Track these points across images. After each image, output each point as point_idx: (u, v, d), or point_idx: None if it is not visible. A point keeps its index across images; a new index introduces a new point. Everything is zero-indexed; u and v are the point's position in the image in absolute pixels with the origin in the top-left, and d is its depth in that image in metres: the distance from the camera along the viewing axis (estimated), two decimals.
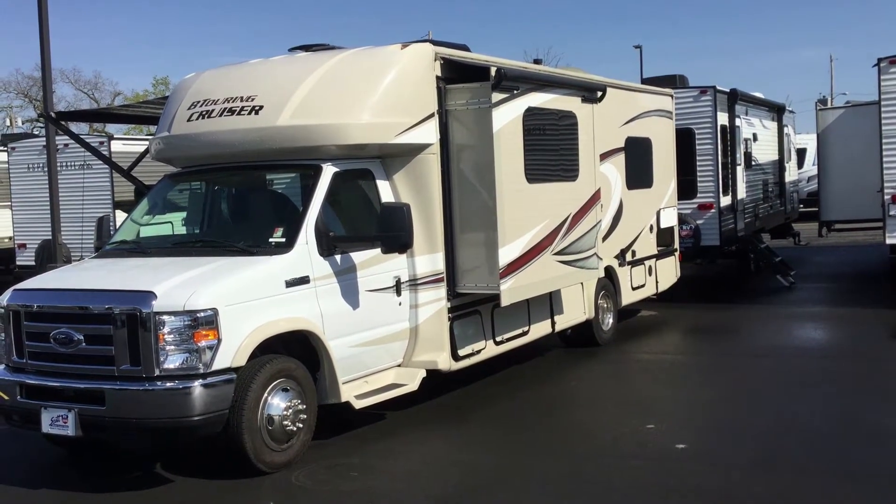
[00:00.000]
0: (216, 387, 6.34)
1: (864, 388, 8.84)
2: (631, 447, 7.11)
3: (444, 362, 8.14)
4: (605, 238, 10.64)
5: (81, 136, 13.43)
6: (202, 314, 6.29)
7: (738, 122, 15.89)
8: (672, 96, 13.45)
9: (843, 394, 8.67)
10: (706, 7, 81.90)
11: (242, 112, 7.71)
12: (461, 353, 8.37)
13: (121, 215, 14.75)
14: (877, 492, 5.89)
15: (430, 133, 7.98)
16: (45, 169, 16.06)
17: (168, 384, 6.27)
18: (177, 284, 6.47)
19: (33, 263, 17.46)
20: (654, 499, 5.91)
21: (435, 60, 8.03)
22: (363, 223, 7.80)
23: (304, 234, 7.13)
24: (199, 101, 8.05)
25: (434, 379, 8.26)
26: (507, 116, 8.22)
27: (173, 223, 8.65)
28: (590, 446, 7.25)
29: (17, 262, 18.32)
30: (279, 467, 6.71)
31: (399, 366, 8.05)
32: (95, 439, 6.98)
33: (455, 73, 8.18)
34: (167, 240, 8.18)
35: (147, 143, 11.49)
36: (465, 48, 8.69)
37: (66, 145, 16.76)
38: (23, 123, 48.58)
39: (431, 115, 7.98)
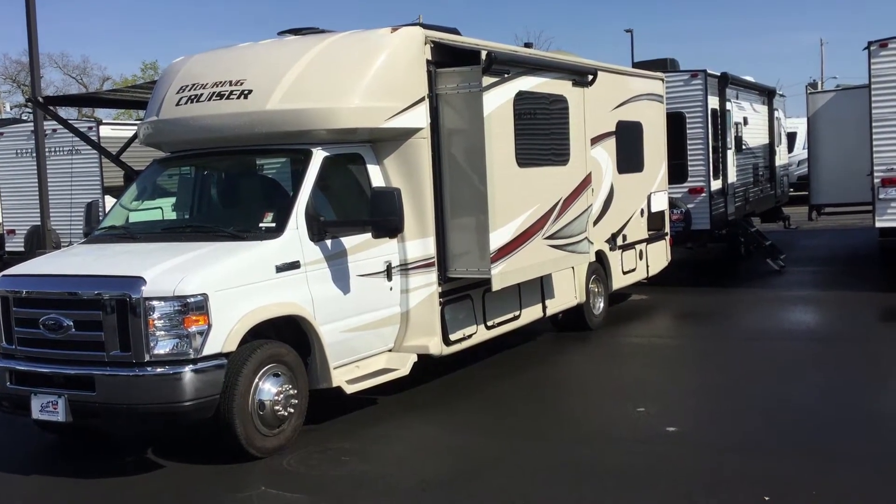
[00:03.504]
0: (207, 372, 6.32)
1: (856, 370, 8.88)
2: (622, 431, 7.13)
3: (436, 347, 8.13)
4: (595, 222, 10.64)
5: (70, 122, 13.34)
6: (192, 299, 6.27)
7: (728, 105, 15.89)
8: (663, 80, 13.43)
9: (834, 377, 8.71)
10: None
11: (231, 96, 7.66)
12: (452, 337, 8.37)
13: (110, 201, 14.67)
14: (870, 474, 5.92)
15: (420, 117, 7.94)
16: (34, 154, 15.96)
17: (158, 370, 6.26)
18: (166, 270, 6.44)
19: (22, 249, 17.38)
20: (644, 482, 5.93)
21: (425, 44, 7.99)
22: (354, 208, 7.78)
23: (294, 219, 7.11)
24: (187, 86, 8.00)
25: (425, 364, 8.26)
26: (498, 100, 8.19)
27: (163, 208, 8.61)
28: (581, 430, 7.26)
29: (7, 249, 18.25)
30: (270, 452, 6.71)
31: (390, 350, 8.04)
32: (86, 425, 6.97)
33: (445, 57, 8.14)
34: (156, 225, 8.14)
35: (136, 127, 11.42)
36: (455, 32, 8.64)
37: (54, 130, 16.65)
38: (11, 109, 48.27)
39: (422, 100, 7.95)
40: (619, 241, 11.80)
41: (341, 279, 7.40)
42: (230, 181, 8.49)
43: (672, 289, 14.05)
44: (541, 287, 9.90)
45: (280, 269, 6.89)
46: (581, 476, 6.16)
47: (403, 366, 7.89)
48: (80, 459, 7.10)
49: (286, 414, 6.80)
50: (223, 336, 6.40)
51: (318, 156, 7.46)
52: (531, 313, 9.77)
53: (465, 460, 6.60)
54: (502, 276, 8.29)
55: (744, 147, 17.17)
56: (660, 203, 12.98)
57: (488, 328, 8.99)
